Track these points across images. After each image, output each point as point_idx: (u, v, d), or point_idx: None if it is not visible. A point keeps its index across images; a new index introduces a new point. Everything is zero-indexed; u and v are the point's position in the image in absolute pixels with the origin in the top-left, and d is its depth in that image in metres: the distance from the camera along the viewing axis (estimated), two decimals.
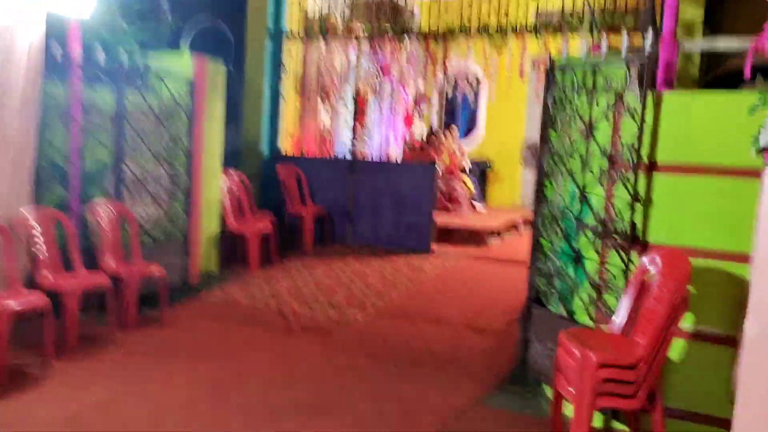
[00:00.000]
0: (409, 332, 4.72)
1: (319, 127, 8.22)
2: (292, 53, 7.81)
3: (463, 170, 9.92)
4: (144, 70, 5.22)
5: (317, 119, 8.16)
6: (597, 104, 3.45)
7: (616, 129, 3.36)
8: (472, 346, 4.47)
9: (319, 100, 8.14)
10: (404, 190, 7.32)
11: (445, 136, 9.49)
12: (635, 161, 3.19)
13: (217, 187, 6.13)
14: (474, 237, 7.78)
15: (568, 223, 3.65)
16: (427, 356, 4.28)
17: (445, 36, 6.85)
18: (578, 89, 3.58)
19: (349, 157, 7.69)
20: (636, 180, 3.19)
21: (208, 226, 5.97)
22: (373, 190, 7.46)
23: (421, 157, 8.18)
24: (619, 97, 3.32)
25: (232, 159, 7.54)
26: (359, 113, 7.90)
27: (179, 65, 5.50)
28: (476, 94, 11.22)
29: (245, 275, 6.06)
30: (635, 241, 3.23)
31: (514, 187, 11.49)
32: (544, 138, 3.85)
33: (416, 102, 9.27)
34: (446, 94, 7.14)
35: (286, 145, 8.01)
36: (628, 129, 3.28)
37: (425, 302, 5.44)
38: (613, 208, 3.34)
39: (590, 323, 3.46)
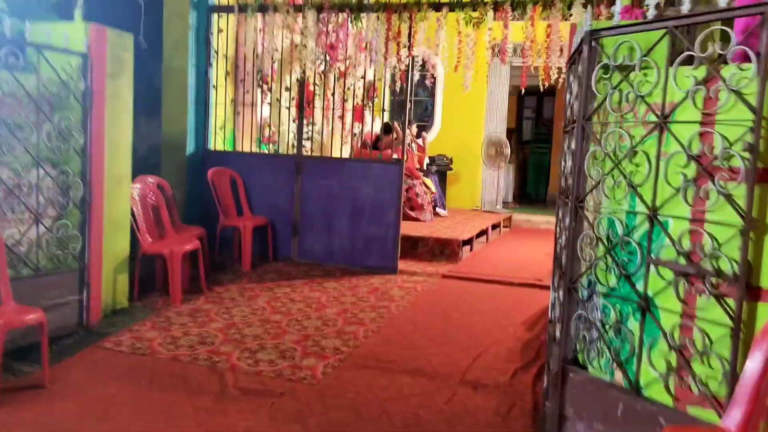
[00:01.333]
0: (387, 391, 3.54)
1: (258, 120, 6.90)
2: (224, 30, 6.47)
3: (422, 170, 8.83)
4: (17, 40, 3.82)
5: (256, 110, 6.85)
6: (676, 83, 2.37)
7: (709, 119, 2.28)
8: (474, 411, 3.33)
9: (257, 87, 6.83)
10: (363, 194, 6.13)
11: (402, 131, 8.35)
12: (751, 167, 2.12)
13: (125, 196, 4.75)
14: (444, 249, 6.68)
15: (627, 255, 2.56)
16: (414, 429, 3.11)
17: (410, 9, 5.69)
18: (640, 63, 2.49)
19: (294, 154, 6.44)
20: (751, 195, 2.13)
21: (113, 247, 4.59)
22: (325, 195, 6.24)
23: (377, 155, 7.00)
24: (715, 70, 2.25)
25: (148, 160, 6.16)
26: (306, 103, 6.64)
27: (68, 35, 4.10)
28: (432, 85, 10.18)
29: (165, 310, 4.72)
30: (747, 285, 2.17)
31: (475, 188, 10.52)
32: (584, 133, 2.75)
33: (369, 91, 8.07)
34: (410, 81, 5.96)
35: (218, 141, 6.66)
36: (730, 119, 2.21)
37: (401, 344, 4.27)
38: (707, 236, 2.26)
39: (668, 401, 2.38)
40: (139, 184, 5.17)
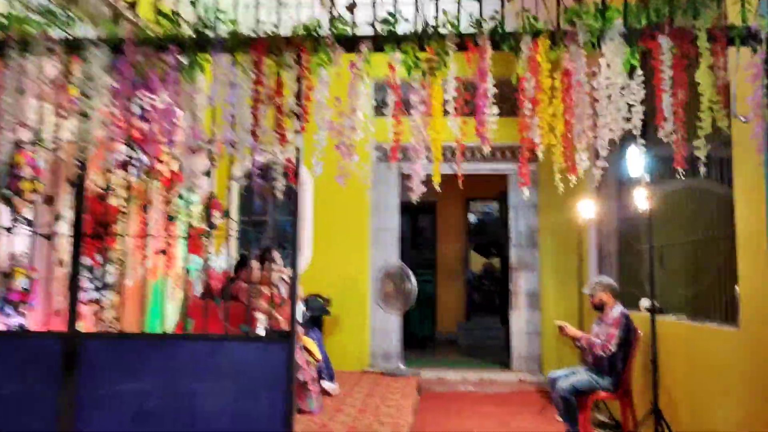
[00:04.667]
0: None
1: None
2: None
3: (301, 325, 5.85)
4: None
5: None
6: None
7: None
8: None
9: None
10: (214, 407, 3.00)
11: (263, 266, 5.41)
12: None
13: None
14: None
15: None
16: None
17: (298, 44, 3.01)
18: None
19: (65, 330, 3.20)
20: None
21: None
22: (129, 416, 3.01)
23: (233, 314, 3.94)
24: None
25: None
26: (99, 230, 3.57)
27: None
28: (295, 199, 7.50)
29: None
30: None
31: (363, 338, 7.68)
32: None
33: (210, 208, 5.12)
34: (299, 177, 3.19)
35: None
36: None
37: None
38: None
39: None
40: None
